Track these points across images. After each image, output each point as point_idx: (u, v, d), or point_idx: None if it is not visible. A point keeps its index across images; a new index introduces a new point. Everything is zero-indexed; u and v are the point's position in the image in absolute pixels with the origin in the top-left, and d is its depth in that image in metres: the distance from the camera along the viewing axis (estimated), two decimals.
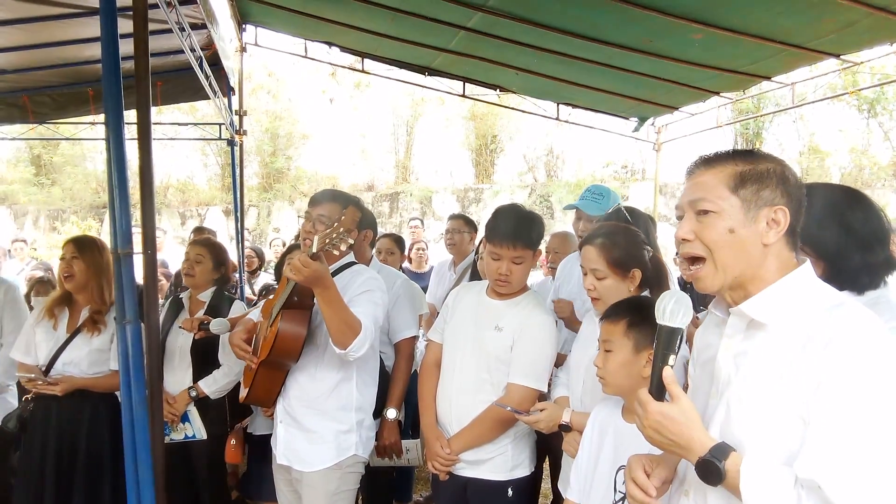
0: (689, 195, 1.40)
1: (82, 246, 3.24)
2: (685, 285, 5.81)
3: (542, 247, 2.85)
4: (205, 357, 3.36)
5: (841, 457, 1.17)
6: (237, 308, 3.50)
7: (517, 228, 2.53)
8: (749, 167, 1.35)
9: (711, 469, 1.26)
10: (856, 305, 1.29)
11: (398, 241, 4.93)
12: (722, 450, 1.27)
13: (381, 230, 4.87)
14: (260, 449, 3.40)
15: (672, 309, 1.34)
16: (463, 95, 7.91)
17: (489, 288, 2.69)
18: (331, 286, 2.29)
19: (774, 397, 1.28)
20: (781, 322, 1.32)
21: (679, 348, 1.37)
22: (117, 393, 3.15)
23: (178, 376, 3.34)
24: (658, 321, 1.36)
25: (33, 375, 3.13)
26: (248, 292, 6.52)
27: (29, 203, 15.71)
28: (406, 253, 5.95)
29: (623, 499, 1.83)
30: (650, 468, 1.48)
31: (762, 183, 1.34)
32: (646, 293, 2.32)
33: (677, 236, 1.40)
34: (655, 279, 2.34)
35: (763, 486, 1.22)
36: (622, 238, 2.32)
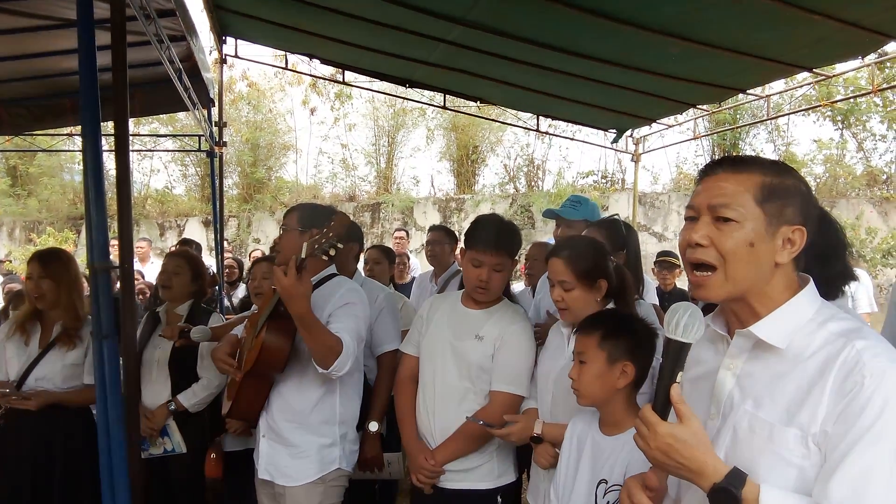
0: (711, 198, 1.30)
1: (47, 263, 3.17)
2: (662, 294, 5.88)
3: (521, 257, 2.88)
4: (183, 370, 3.33)
5: (868, 488, 1.13)
6: (215, 320, 3.47)
7: (498, 236, 2.57)
8: (778, 180, 1.29)
9: (728, 497, 1.19)
10: (872, 332, 1.26)
11: (386, 252, 4.88)
12: (738, 476, 1.21)
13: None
14: (235, 464, 3.37)
15: (686, 323, 1.26)
16: (443, 107, 7.96)
17: (464, 297, 2.71)
18: (304, 311, 2.27)
19: (789, 424, 1.23)
20: (792, 346, 1.28)
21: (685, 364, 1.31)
22: (92, 407, 3.11)
23: (156, 389, 3.30)
24: (668, 335, 1.28)
25: (7, 390, 3.08)
26: (226, 303, 6.44)
27: (4, 214, 15.48)
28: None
29: None
30: (651, 485, 1.40)
31: (787, 200, 1.29)
32: (610, 304, 2.36)
33: (690, 239, 1.31)
34: (619, 289, 2.39)
35: None
36: (588, 249, 2.36)
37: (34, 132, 7.23)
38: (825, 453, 1.20)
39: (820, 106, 8.20)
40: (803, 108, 8.65)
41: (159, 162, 17.00)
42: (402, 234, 8.44)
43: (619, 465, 1.85)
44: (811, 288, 1.34)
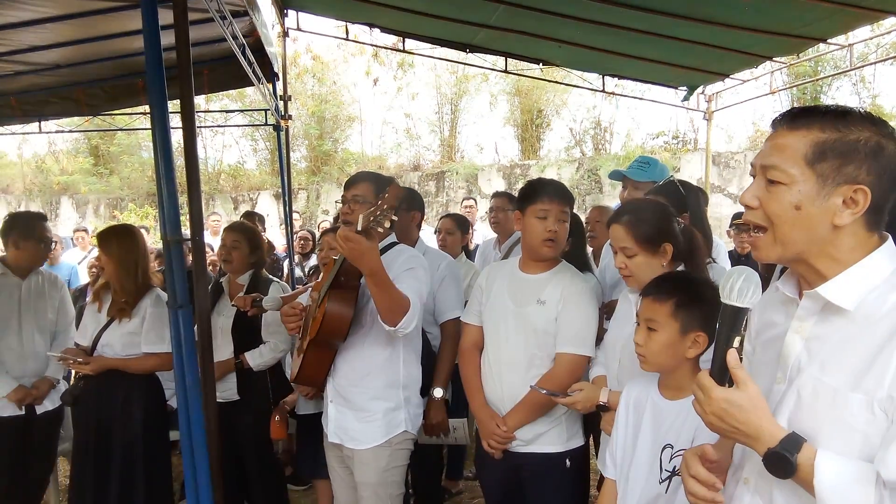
0: (764, 158, 1.28)
1: (103, 241, 3.35)
2: (739, 258, 5.66)
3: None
4: (245, 336, 3.54)
5: None
6: (275, 289, 3.60)
7: (560, 187, 2.69)
8: (836, 136, 1.21)
9: (782, 462, 1.18)
10: None
11: (460, 221, 4.79)
12: (794, 441, 1.18)
13: (427, 210, 4.81)
14: (307, 428, 3.49)
15: (740, 287, 1.24)
16: (505, 71, 7.82)
17: (522, 263, 2.71)
18: (377, 266, 2.26)
19: (854, 389, 1.18)
20: (863, 308, 1.22)
21: (745, 329, 1.30)
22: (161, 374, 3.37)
23: (220, 355, 3.46)
24: (723, 300, 1.27)
25: (67, 356, 3.29)
26: (298, 273, 6.65)
27: (89, 192, 16.27)
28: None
29: (670, 478, 1.81)
30: (710, 457, 1.38)
31: (847, 157, 1.20)
32: (680, 267, 2.27)
33: (742, 199, 1.31)
34: (688, 252, 2.29)
35: (840, 483, 1.14)
36: (649, 213, 2.26)
37: (112, 112, 7.52)
38: (892, 419, 1.14)
39: None
40: (891, 56, 8.08)
41: (231, 137, 17.47)
42: (471, 202, 8.43)
43: (686, 431, 1.79)
44: (889, 246, 1.26)
